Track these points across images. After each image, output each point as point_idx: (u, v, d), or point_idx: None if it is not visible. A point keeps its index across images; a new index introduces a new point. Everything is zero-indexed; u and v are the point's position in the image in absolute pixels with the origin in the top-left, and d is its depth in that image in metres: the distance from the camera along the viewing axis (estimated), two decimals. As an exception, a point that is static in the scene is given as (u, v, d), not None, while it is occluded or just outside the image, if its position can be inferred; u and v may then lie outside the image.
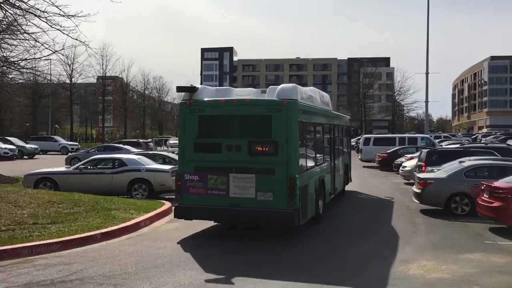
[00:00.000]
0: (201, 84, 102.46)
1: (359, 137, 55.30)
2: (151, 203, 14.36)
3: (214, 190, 10.24)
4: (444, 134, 62.34)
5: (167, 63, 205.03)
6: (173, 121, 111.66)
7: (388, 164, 28.75)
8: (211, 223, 12.00)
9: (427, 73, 45.49)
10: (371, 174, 27.03)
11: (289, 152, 9.98)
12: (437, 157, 19.48)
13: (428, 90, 45.31)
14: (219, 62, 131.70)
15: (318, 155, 12.50)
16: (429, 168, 17.84)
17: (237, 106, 10.46)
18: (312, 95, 12.47)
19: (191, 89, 10.74)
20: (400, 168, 23.61)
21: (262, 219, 10.15)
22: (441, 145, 32.63)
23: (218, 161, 10.29)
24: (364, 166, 32.60)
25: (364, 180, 24.10)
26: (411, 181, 19.89)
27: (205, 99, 10.74)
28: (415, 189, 14.75)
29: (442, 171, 15.04)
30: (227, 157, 10.20)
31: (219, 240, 10.38)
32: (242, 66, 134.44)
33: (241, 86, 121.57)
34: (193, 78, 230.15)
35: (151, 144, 42.17)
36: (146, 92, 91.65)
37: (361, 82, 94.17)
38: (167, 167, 17.31)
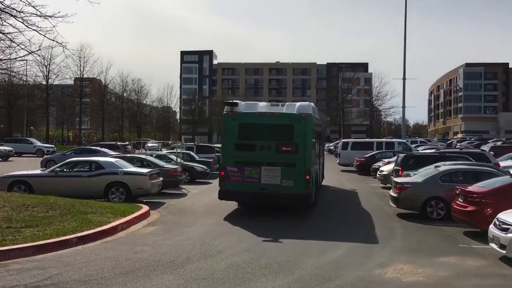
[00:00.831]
0: (180, 87, 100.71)
1: (338, 141, 55.82)
2: (129, 206, 14.20)
3: (249, 178, 13.95)
4: (420, 139, 63.30)
5: (146, 66, 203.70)
6: (152, 123, 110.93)
7: (366, 169, 29.03)
8: (191, 227, 12.11)
9: (404, 79, 46.41)
10: (349, 178, 27.26)
11: (306, 151, 14.06)
12: (413, 162, 19.76)
13: (405, 95, 46.42)
14: (198, 65, 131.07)
15: (315, 154, 16.08)
16: (406, 173, 18.12)
17: (268, 117, 14.36)
18: (315, 109, 15.96)
19: (234, 104, 14.74)
20: (378, 172, 23.87)
21: (285, 199, 13.94)
22: (418, 150, 33.13)
23: (253, 157, 14.01)
24: (342, 171, 32.85)
25: (342, 184, 24.27)
26: (388, 185, 20.13)
27: (243, 111, 14.54)
28: (392, 193, 14.93)
29: (418, 176, 15.27)
30: (260, 154, 14.00)
31: (200, 241, 10.31)
32: (222, 70, 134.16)
33: (220, 89, 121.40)
34: (173, 80, 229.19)
35: (129, 147, 41.76)
36: (125, 95, 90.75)
37: (340, 87, 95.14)
38: (145, 170, 17.16)
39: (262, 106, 15.43)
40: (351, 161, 32.46)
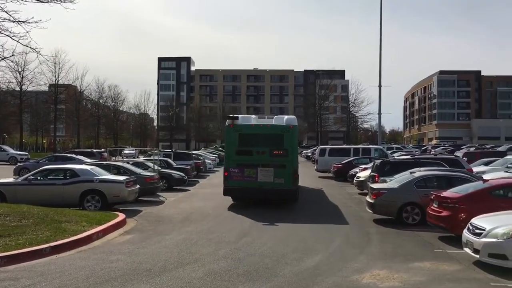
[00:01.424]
0: (157, 93, 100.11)
1: (315, 148, 56.17)
2: (104, 215, 13.99)
3: (248, 177, 17.31)
4: (396, 146, 64.19)
5: (123, 72, 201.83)
6: (129, 130, 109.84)
7: (343, 175, 29.28)
8: (169, 235, 12.05)
9: (379, 86, 47.13)
10: (327, 185, 27.43)
11: (293, 155, 17.71)
12: (389, 168, 20.01)
13: (381, 102, 47.07)
14: (176, 71, 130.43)
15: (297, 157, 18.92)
16: (382, 179, 18.32)
17: (263, 128, 18.01)
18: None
19: (235, 118, 18.23)
20: (355, 178, 24.09)
21: (277, 194, 17.39)
22: (393, 156, 33.58)
23: (251, 160, 17.40)
24: (320, 177, 33.04)
25: (320, 192, 24.38)
26: (365, 191, 20.31)
27: (241, 123, 18.01)
28: (368, 199, 15.07)
29: (394, 182, 15.46)
30: (257, 158, 17.41)
31: (177, 249, 10.21)
32: (200, 76, 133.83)
33: (198, 96, 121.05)
34: (150, 87, 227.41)
35: (105, 154, 41.25)
36: (101, 101, 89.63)
37: (317, 93, 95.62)
38: (121, 177, 16.95)
39: (254, 118, 19.17)
40: (328, 167, 32.72)
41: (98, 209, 15.61)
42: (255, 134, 17.76)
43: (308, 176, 31.79)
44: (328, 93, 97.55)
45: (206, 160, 38.18)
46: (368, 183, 18.68)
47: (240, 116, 18.89)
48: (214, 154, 49.30)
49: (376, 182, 18.48)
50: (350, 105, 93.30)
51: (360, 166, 27.32)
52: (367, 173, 22.37)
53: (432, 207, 12.15)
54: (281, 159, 17.44)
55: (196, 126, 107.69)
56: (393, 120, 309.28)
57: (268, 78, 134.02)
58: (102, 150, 50.12)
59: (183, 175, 25.07)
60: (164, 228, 13.33)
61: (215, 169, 40.92)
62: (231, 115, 18.62)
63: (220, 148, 63.45)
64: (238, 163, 17.51)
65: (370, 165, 23.78)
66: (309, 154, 58.69)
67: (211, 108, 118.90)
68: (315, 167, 35.89)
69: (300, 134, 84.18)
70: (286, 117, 19.01)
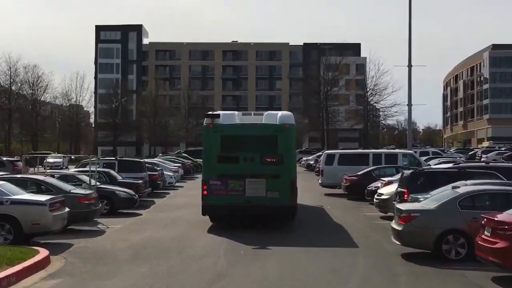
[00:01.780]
0: (95, 77, 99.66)
1: (320, 153, 56.27)
2: (19, 251, 13.85)
3: (233, 191, 18.66)
4: (433, 149, 64.70)
5: (45, 46, 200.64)
6: (55, 129, 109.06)
7: (358, 191, 29.29)
8: (111, 279, 12.13)
9: (409, 66, 47.09)
10: (336, 205, 27.45)
11: (291, 162, 19.31)
12: (423, 181, 20.10)
13: (411, 89, 46.85)
14: (122, 46, 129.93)
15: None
16: (413, 196, 18.42)
17: (251, 128, 19.49)
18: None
19: (216, 116, 19.44)
20: (375, 196, 24.17)
21: (270, 211, 18.93)
22: (429, 164, 33.79)
23: (236, 169, 18.73)
24: (326, 194, 33.07)
25: (324, 214, 24.43)
26: (390, 214, 20.38)
27: (225, 122, 19.23)
28: (394, 225, 15.11)
29: (430, 200, 15.53)
30: (244, 166, 18.75)
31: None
32: (156, 53, 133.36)
33: (154, 81, 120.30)
34: (84, 68, 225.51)
35: (20, 163, 40.85)
36: (14, 88, 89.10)
37: (322, 77, 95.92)
38: (43, 197, 16.79)
39: (237, 116, 20.39)
40: (337, 180, 32.69)
41: (10, 242, 15.42)
42: (241, 136, 19.32)
43: (309, 192, 31.82)
44: (337, 76, 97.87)
45: (165, 172, 37.99)
46: (394, 202, 18.73)
47: (221, 113, 20.27)
48: (176, 163, 49.07)
49: (405, 201, 18.57)
50: (369, 93, 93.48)
51: (383, 179, 27.44)
52: (392, 188, 22.47)
53: (483, 236, 12.21)
54: (275, 168, 19.00)
55: (150, 124, 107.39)
56: (429, 114, 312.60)
57: (253, 55, 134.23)
58: (16, 158, 49.66)
59: (132, 193, 24.89)
60: (105, 269, 13.21)
61: (178, 184, 40.77)
62: (211, 113, 20.02)
63: (186, 155, 63.34)
64: (220, 173, 18.96)
65: (397, 177, 23.90)
66: (312, 162, 58.76)
67: (172, 98, 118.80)
68: (320, 181, 35.92)
69: (298, 134, 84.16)
70: (280, 113, 20.65)
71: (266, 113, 20.93)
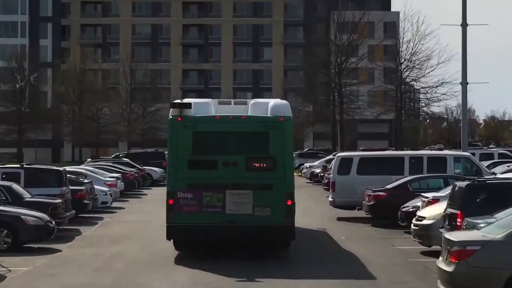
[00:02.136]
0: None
1: (330, 157, 56.22)
2: None
3: (210, 208, 19.76)
4: (500, 150, 64.14)
5: None
6: None
7: (388, 213, 29.40)
8: None
9: (464, 25, 47.20)
10: (355, 235, 27.55)
11: (287, 168, 20.33)
12: (485, 198, 20.18)
13: (466, 60, 46.83)
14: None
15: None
16: (470, 221, 18.42)
17: (233, 122, 20.49)
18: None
19: (186, 106, 20.38)
20: (413, 221, 24.19)
21: (260, 234, 20.13)
22: (495, 173, 33.85)
23: (214, 177, 19.99)
24: (340, 219, 33.13)
25: (337, 251, 24.43)
26: (436, 247, 20.39)
27: (198, 114, 20.26)
28: (442, 264, 15.11)
29: (496, 227, 15.51)
30: (223, 174, 19.94)
31: None
32: (82, 5, 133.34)
33: (78, 48, 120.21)
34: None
35: None
36: None
37: (334, 42, 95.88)
38: None
39: (213, 104, 21.66)
40: (357, 197, 32.73)
41: None
42: (220, 133, 20.64)
43: (314, 214, 31.84)
44: (356, 40, 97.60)
45: (96, 186, 37.85)
46: (440, 230, 18.72)
47: (192, 101, 21.49)
48: (114, 172, 48.92)
49: (459, 228, 18.59)
50: (403, 67, 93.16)
51: (425, 195, 27.50)
52: (439, 209, 22.51)
53: None
54: (266, 175, 20.30)
55: (74, 113, 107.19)
56: (493, 97, 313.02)
57: (229, 9, 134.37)
58: None
59: (47, 218, 24.77)
60: None
61: (116, 204, 40.97)
62: (178, 101, 21.36)
63: (128, 160, 63.05)
64: (191, 182, 20.19)
65: (446, 192, 23.94)
66: (318, 170, 58.69)
67: (107, 74, 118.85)
68: (330, 198, 35.90)
69: (298, 129, 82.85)
70: (272, 102, 21.89)
71: (252, 101, 22.02)
